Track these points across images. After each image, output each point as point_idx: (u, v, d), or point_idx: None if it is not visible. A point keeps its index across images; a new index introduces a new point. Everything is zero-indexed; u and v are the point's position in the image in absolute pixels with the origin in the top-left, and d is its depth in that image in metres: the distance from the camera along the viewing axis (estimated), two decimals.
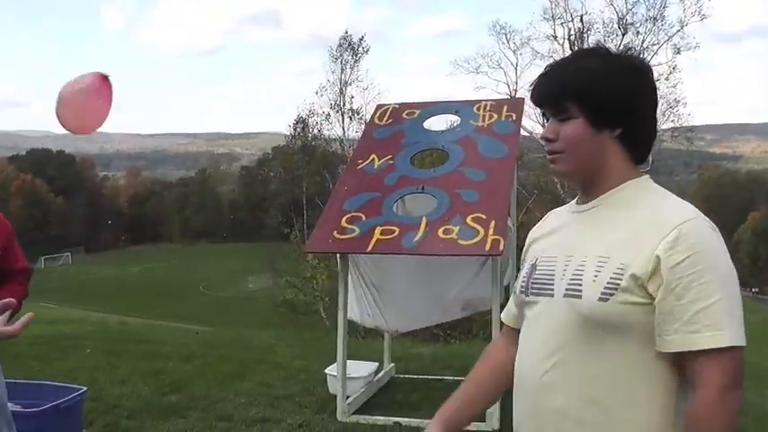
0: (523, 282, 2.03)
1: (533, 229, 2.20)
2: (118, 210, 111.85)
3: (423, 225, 6.27)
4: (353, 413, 6.82)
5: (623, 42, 30.54)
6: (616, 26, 31.00)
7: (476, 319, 13.97)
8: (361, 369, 7.55)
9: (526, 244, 2.18)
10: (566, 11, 31.78)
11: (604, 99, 1.86)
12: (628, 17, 31.00)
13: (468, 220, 6.19)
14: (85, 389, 5.66)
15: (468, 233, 6.07)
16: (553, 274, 1.93)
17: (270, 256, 40.51)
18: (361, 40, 41.94)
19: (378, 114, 7.99)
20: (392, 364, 8.42)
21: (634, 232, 1.81)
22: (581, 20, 31.38)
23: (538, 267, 1.99)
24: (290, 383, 7.92)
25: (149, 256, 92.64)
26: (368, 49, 41.91)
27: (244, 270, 61.61)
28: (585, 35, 31.09)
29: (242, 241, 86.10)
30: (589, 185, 1.95)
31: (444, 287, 7.33)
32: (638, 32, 31.18)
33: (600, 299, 1.78)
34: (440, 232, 6.15)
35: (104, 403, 7.06)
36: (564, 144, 1.91)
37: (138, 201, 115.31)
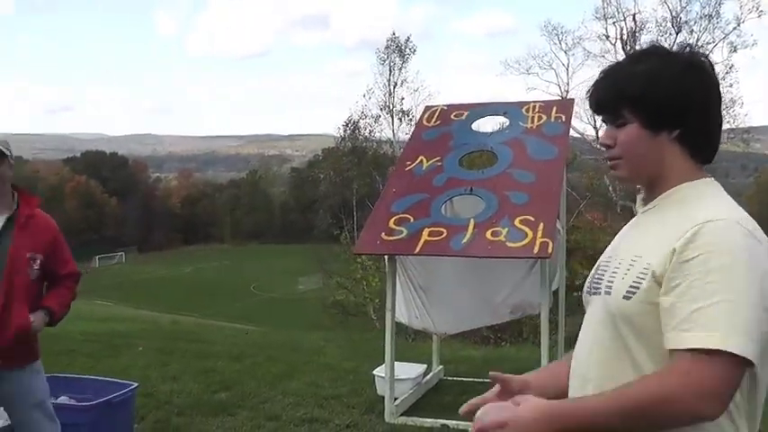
0: (588, 281, 2.05)
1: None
2: (170, 211, 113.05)
3: (471, 227, 6.27)
4: (401, 414, 6.83)
5: (677, 41, 30.05)
6: (669, 25, 30.57)
7: (525, 321, 13.92)
8: (409, 371, 7.56)
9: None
10: (618, 10, 31.37)
11: (658, 102, 1.84)
12: (682, 15, 30.61)
13: (517, 222, 6.17)
14: (137, 385, 5.77)
15: (516, 235, 6.05)
16: (604, 274, 1.94)
17: (320, 257, 40.60)
18: (407, 41, 41.97)
19: (426, 116, 8.00)
20: (441, 367, 8.41)
21: (664, 231, 1.80)
22: (633, 19, 31.01)
23: (599, 267, 2.00)
24: (339, 384, 7.95)
25: (201, 257, 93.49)
26: (414, 50, 41.93)
27: (294, 271, 61.86)
28: (638, 34, 30.71)
29: (292, 242, 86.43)
30: (652, 187, 1.95)
31: (492, 290, 7.31)
32: (692, 31, 30.78)
33: (624, 296, 1.79)
34: (488, 234, 6.14)
35: (156, 400, 7.18)
36: (621, 150, 1.91)
37: (190, 202, 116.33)
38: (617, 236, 2.09)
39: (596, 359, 1.89)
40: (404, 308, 7.59)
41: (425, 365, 7.92)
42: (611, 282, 1.87)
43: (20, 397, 4.31)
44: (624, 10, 31.25)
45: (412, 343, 12.01)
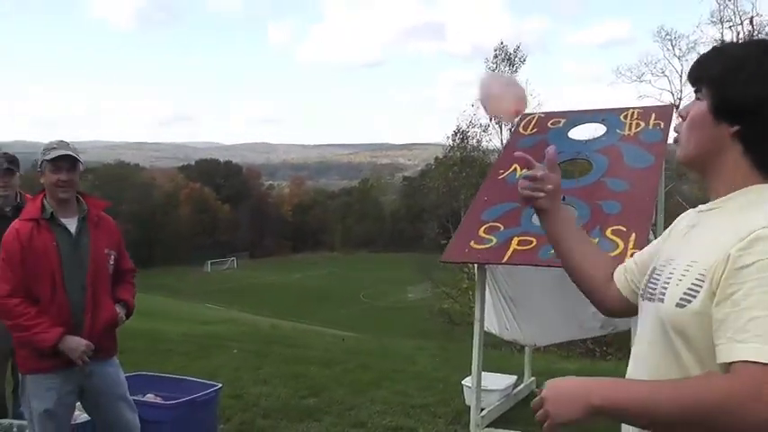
0: (642, 286, 1.96)
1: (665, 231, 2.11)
2: (282, 218, 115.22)
3: None
4: (487, 425, 6.70)
5: None
6: None
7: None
8: (498, 381, 7.44)
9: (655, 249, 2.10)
10: (735, 13, 30.31)
11: (728, 90, 1.74)
12: None
13: (608, 232, 5.97)
14: (220, 386, 5.84)
15: (606, 246, 5.85)
16: (658, 279, 1.85)
17: (427, 266, 40.64)
18: (516, 50, 41.64)
19: (523, 124, 7.86)
20: (533, 378, 8.24)
21: (722, 237, 1.67)
22: (751, 22, 29.87)
23: (655, 272, 1.89)
24: (428, 393, 7.88)
25: (311, 264, 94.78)
26: (524, 59, 41.58)
27: (404, 279, 62.09)
28: (756, 38, 29.67)
29: (402, 251, 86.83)
30: (709, 184, 1.84)
31: (582, 303, 7.08)
32: None
33: (677, 304, 1.69)
34: None
35: (243, 401, 7.27)
36: (686, 124, 1.85)
37: (302, 209, 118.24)
38: (671, 236, 1.98)
39: (646, 364, 1.83)
40: (494, 318, 7.48)
41: (516, 377, 7.78)
42: (666, 288, 1.77)
43: (107, 389, 4.46)
44: (741, 13, 30.21)
45: (506, 353, 11.84)
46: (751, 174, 1.76)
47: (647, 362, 1.83)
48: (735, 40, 29.20)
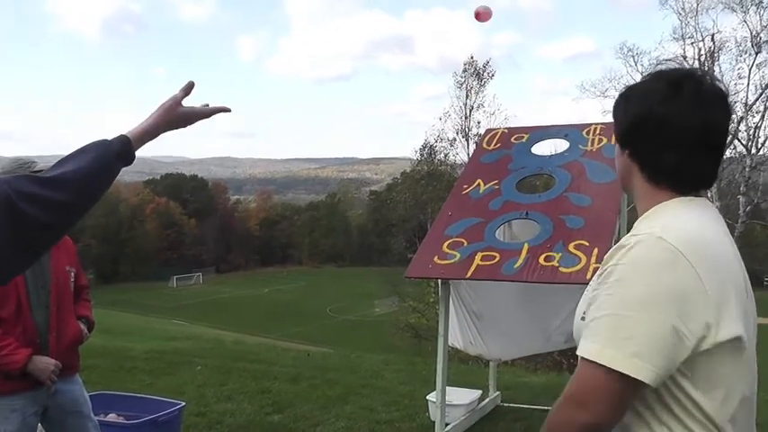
0: None
1: None
2: (249, 232, 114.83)
3: (524, 251, 6.14)
4: None
5: (756, 61, 29.42)
6: (749, 45, 29.76)
7: None
8: (463, 396, 7.46)
9: None
10: (696, 30, 30.75)
11: (618, 119, 1.93)
12: (762, 35, 29.61)
13: (571, 246, 6.01)
14: (183, 404, 5.78)
15: (569, 260, 5.90)
16: None
17: (394, 280, 40.67)
18: (485, 65, 41.91)
19: (486, 139, 7.91)
20: (498, 393, 8.27)
21: None
22: (712, 39, 30.31)
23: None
24: (393, 409, 7.87)
25: (278, 278, 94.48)
26: (493, 75, 41.86)
27: (371, 294, 62.04)
28: (717, 55, 30.06)
29: (369, 265, 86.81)
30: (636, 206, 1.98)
31: (546, 317, 7.15)
32: None
33: (582, 317, 1.80)
34: (541, 259, 6.00)
35: (208, 419, 7.21)
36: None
37: (269, 224, 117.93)
38: None
39: None
40: (459, 333, 7.50)
41: (481, 391, 7.79)
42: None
43: (72, 408, 4.40)
44: (703, 30, 30.66)
45: (472, 368, 11.85)
46: (653, 190, 1.88)
47: None
48: (696, 56, 29.76)
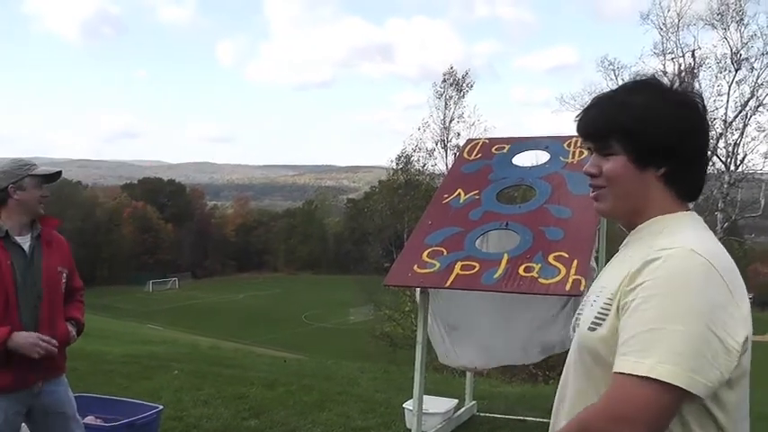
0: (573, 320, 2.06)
1: None
2: (225, 238, 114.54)
3: (504, 262, 6.17)
4: None
5: (736, 78, 29.65)
6: (729, 62, 29.92)
7: None
8: (439, 405, 7.49)
9: None
10: (677, 46, 30.84)
11: (648, 139, 1.82)
12: (742, 52, 29.78)
13: (551, 258, 6.05)
14: (161, 407, 5.78)
15: (549, 272, 5.94)
16: (582, 310, 1.95)
17: (370, 288, 40.66)
18: (465, 76, 41.99)
19: (467, 149, 7.96)
20: (474, 402, 8.31)
21: (628, 261, 1.79)
22: (693, 55, 30.44)
23: (579, 305, 2.03)
24: (370, 416, 7.88)
25: (254, 284, 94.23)
26: (472, 86, 41.93)
27: (346, 301, 62.03)
28: (697, 71, 30.19)
29: (345, 273, 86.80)
30: (633, 224, 1.92)
31: (522, 327, 7.17)
32: (752, 68, 29.92)
33: (589, 328, 1.80)
34: (520, 270, 6.03)
35: (184, 423, 7.19)
36: (606, 180, 1.88)
37: (245, 230, 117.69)
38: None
39: (569, 394, 1.91)
40: (436, 342, 7.51)
41: (457, 400, 7.83)
42: (581, 315, 1.89)
43: (59, 409, 4.42)
44: (683, 46, 30.82)
45: (448, 377, 11.88)
46: (672, 204, 1.87)
47: (570, 386, 1.91)
48: (676, 72, 29.91)
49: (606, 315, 1.76)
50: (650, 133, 1.80)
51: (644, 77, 1.97)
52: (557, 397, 1.99)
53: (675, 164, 1.83)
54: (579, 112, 1.98)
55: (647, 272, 1.69)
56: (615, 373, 1.64)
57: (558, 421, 1.93)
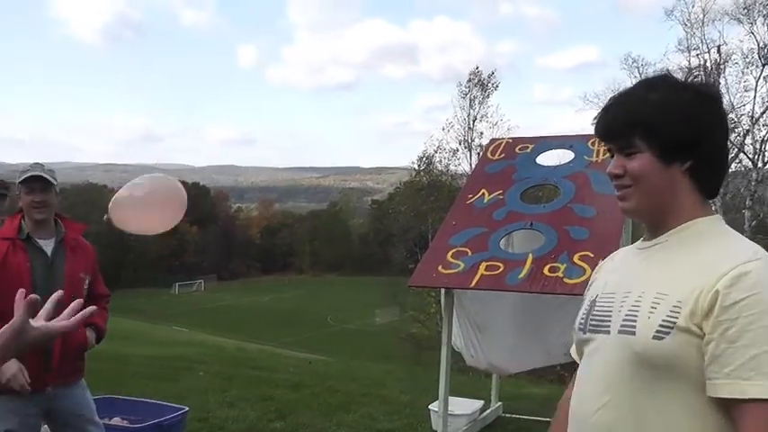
0: (582, 319, 1.95)
1: (597, 266, 2.13)
2: (250, 240, 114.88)
3: (528, 262, 6.15)
4: None
5: (763, 74, 29.21)
6: (756, 56, 29.43)
7: None
8: (465, 406, 7.47)
9: (589, 281, 2.11)
10: (702, 41, 30.33)
11: (672, 133, 1.78)
12: None
13: (576, 258, 6.02)
14: (187, 409, 5.79)
15: (574, 271, 5.91)
16: (610, 311, 1.84)
17: (395, 290, 40.64)
18: (490, 76, 41.82)
19: (491, 149, 7.93)
20: (500, 403, 8.27)
21: (696, 270, 1.70)
22: (718, 51, 29.95)
23: (597, 304, 1.91)
24: (395, 418, 7.88)
25: (279, 286, 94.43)
26: (497, 86, 41.75)
27: (371, 303, 61.99)
28: (722, 67, 29.74)
29: (370, 274, 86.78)
30: (659, 222, 1.87)
31: (547, 328, 7.11)
32: None
33: (654, 337, 1.69)
34: (545, 270, 6.01)
35: (210, 425, 7.22)
36: (632, 179, 1.83)
37: (270, 232, 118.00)
38: (612, 271, 2.00)
39: (614, 402, 1.78)
40: (461, 344, 7.47)
41: (483, 402, 7.80)
42: (631, 320, 1.75)
43: (76, 412, 4.44)
44: (708, 41, 30.38)
45: (474, 378, 11.85)
46: (698, 205, 1.83)
47: (610, 392, 1.79)
48: (701, 68, 29.54)
49: (674, 324, 1.67)
50: (674, 127, 1.77)
51: (658, 74, 1.96)
52: (594, 407, 1.84)
53: (700, 157, 1.79)
54: (597, 114, 1.93)
55: (742, 288, 1.62)
56: (745, 399, 1.58)
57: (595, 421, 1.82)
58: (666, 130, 1.78)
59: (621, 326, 1.77)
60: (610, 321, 1.82)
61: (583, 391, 1.90)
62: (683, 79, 1.90)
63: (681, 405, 1.67)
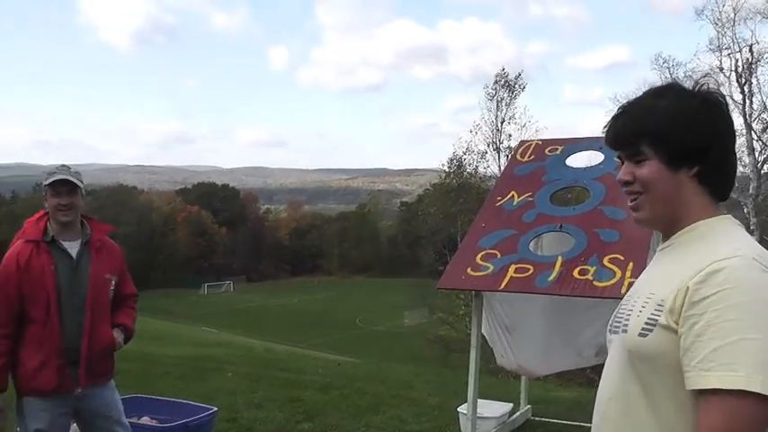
0: (611, 320, 2.02)
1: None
2: (279, 242, 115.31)
3: (558, 264, 6.10)
4: None
5: None
6: None
7: None
8: (494, 409, 7.43)
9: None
10: (733, 41, 29.90)
11: (679, 140, 1.84)
12: None
13: (606, 260, 5.97)
14: (216, 409, 5.81)
15: (604, 274, 5.86)
16: (626, 312, 1.92)
17: (424, 292, 40.63)
18: (517, 77, 41.60)
19: (520, 151, 7.89)
20: (529, 406, 8.23)
21: (681, 269, 1.77)
22: (750, 50, 29.59)
23: (621, 305, 1.98)
24: (423, 420, 7.86)
25: (308, 288, 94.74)
26: (524, 87, 41.51)
27: (400, 305, 62.03)
28: (754, 66, 29.40)
29: (399, 276, 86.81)
30: (670, 227, 1.93)
31: (577, 331, 7.08)
32: None
33: (639, 334, 1.78)
34: (575, 272, 5.96)
35: (238, 425, 7.25)
36: (642, 186, 1.91)
37: (299, 234, 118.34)
38: (642, 274, 2.07)
39: (614, 398, 1.88)
40: (493, 342, 7.44)
41: (512, 404, 7.76)
42: (628, 320, 1.85)
43: (104, 413, 4.49)
44: (740, 40, 29.99)
45: (503, 381, 11.81)
46: (706, 207, 1.88)
47: (616, 388, 1.88)
48: (733, 67, 29.22)
49: (656, 321, 1.75)
50: (680, 134, 1.84)
51: (665, 83, 2.02)
52: (596, 403, 1.97)
53: (707, 163, 1.85)
54: (607, 122, 1.99)
55: (712, 284, 1.67)
56: (702, 390, 1.63)
57: (605, 427, 1.91)
58: (673, 137, 1.85)
59: (623, 325, 1.88)
60: (620, 321, 1.92)
61: (599, 388, 1.99)
62: (690, 87, 1.93)
63: (671, 401, 1.74)
